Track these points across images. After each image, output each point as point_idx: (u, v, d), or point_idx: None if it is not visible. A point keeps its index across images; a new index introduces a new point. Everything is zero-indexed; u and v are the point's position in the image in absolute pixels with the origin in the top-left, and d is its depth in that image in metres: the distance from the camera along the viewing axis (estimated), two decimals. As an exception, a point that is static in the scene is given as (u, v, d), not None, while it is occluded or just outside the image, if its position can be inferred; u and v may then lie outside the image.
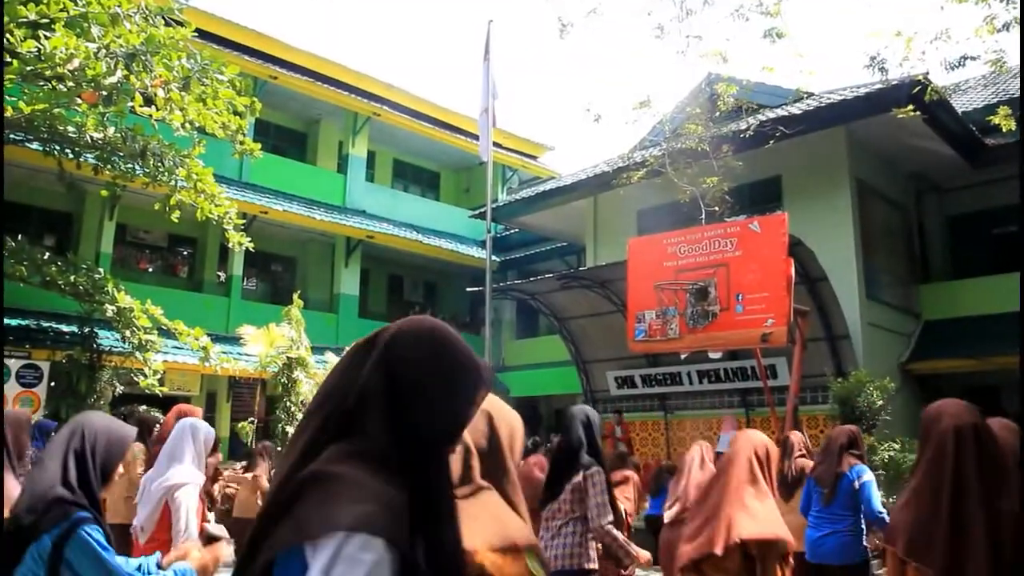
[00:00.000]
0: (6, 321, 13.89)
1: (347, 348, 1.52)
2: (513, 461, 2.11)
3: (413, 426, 1.32)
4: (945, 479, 2.40)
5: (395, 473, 1.27)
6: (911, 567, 2.39)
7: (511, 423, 2.20)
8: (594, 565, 4.20)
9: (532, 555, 1.73)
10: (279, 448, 14.41)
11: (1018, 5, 7.21)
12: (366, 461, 1.25)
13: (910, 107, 9.86)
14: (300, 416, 14.66)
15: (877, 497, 5.18)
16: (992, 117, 9.05)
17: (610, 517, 4.14)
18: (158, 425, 10.82)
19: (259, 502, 9.84)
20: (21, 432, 3.72)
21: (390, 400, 1.32)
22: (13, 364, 12.52)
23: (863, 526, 5.28)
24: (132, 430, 2.84)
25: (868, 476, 5.26)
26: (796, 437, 6.53)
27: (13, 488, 3.19)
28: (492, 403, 2.09)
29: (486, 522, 1.69)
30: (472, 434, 1.97)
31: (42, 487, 2.44)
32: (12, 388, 12.37)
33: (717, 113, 11.75)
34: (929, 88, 9.41)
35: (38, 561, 2.36)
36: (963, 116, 13.22)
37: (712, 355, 12.62)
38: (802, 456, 6.19)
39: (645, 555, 4.66)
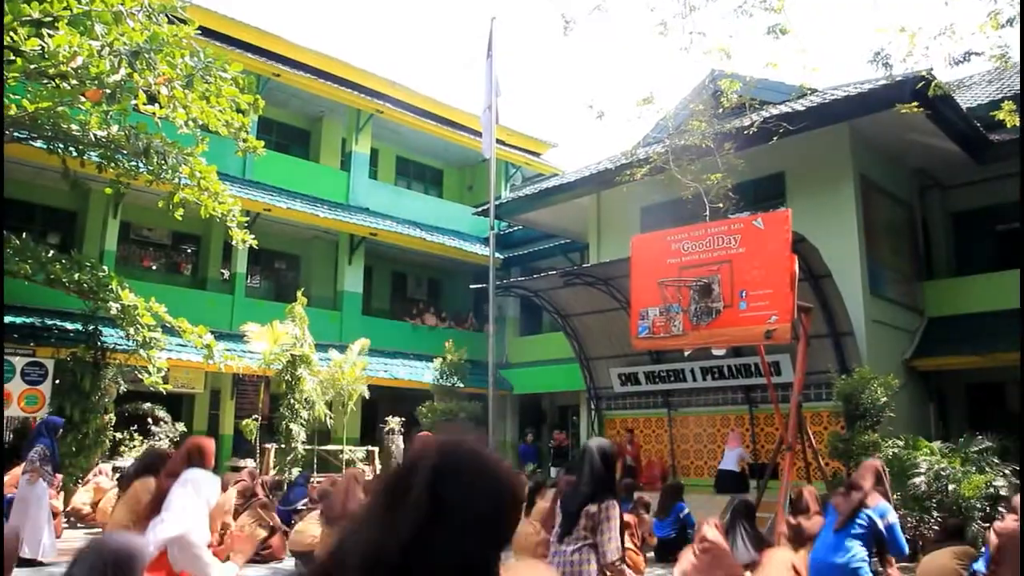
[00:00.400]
0: (11, 319, 13.93)
1: (376, 481, 1.45)
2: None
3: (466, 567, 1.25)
4: None
5: None
6: None
7: None
8: None
9: None
10: (282, 446, 14.48)
11: (1018, 3, 7.19)
12: None
13: (914, 103, 9.84)
14: (304, 413, 14.71)
15: (902, 536, 5.38)
16: (996, 113, 9.03)
17: (620, 553, 4.19)
18: None
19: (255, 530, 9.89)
20: None
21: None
22: (18, 362, 12.55)
23: (869, 559, 5.31)
24: (145, 547, 2.74)
25: (893, 517, 5.36)
26: (810, 493, 6.46)
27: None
28: None
29: None
30: None
31: None
32: (17, 385, 12.41)
33: (720, 110, 11.72)
34: (933, 84, 9.39)
35: None
36: (967, 112, 13.19)
37: (716, 352, 12.58)
38: (818, 514, 6.14)
39: None
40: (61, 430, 10.30)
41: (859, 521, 5.22)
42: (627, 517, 7.00)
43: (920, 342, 14.31)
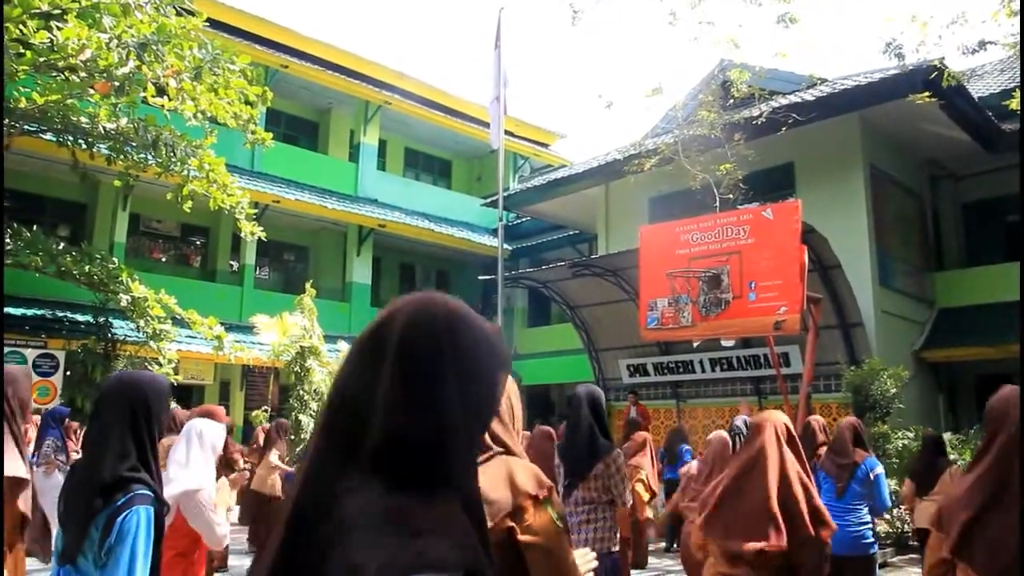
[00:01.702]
0: (23, 311, 14.01)
1: (352, 344, 1.35)
2: (516, 423, 2.31)
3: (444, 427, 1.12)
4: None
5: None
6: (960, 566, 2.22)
7: (509, 388, 2.34)
8: (617, 548, 4.38)
9: (549, 503, 1.83)
10: (292, 437, 14.53)
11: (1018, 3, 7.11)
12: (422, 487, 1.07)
13: (926, 93, 9.77)
14: (314, 405, 14.78)
15: (887, 490, 5.48)
16: (1009, 102, 8.96)
17: (630, 499, 4.41)
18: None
19: (273, 480, 10.11)
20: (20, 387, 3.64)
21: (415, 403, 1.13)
22: (30, 353, 12.63)
23: (870, 517, 5.36)
24: (166, 380, 2.82)
25: (880, 469, 5.42)
26: (817, 422, 6.39)
27: (17, 470, 3.21)
28: None
29: (503, 481, 1.82)
30: None
31: (107, 466, 2.45)
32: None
33: (730, 100, 11.68)
34: (946, 73, 9.31)
35: (94, 538, 2.41)
36: (979, 101, 13.09)
37: (725, 343, 12.60)
38: (824, 444, 6.08)
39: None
40: (67, 420, 10.38)
41: (854, 484, 5.27)
42: (637, 439, 7.17)
43: (930, 333, 14.26)
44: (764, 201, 12.48)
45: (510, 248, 21.30)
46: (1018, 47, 9.99)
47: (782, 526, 3.11)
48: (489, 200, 19.82)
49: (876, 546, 5.47)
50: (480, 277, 19.95)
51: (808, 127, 12.06)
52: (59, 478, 9.27)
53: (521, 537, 1.74)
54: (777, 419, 3.47)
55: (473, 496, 1.13)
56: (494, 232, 20.13)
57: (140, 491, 2.47)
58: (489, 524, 1.29)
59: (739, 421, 10.40)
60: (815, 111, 12.04)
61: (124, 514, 2.41)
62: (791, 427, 3.45)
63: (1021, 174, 7.67)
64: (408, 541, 0.99)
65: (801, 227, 9.90)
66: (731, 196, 11.32)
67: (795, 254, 9.66)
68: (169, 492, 3.47)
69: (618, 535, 4.39)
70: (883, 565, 8.73)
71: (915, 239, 14.84)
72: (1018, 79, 14.41)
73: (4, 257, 11.48)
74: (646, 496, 7.03)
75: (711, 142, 11.72)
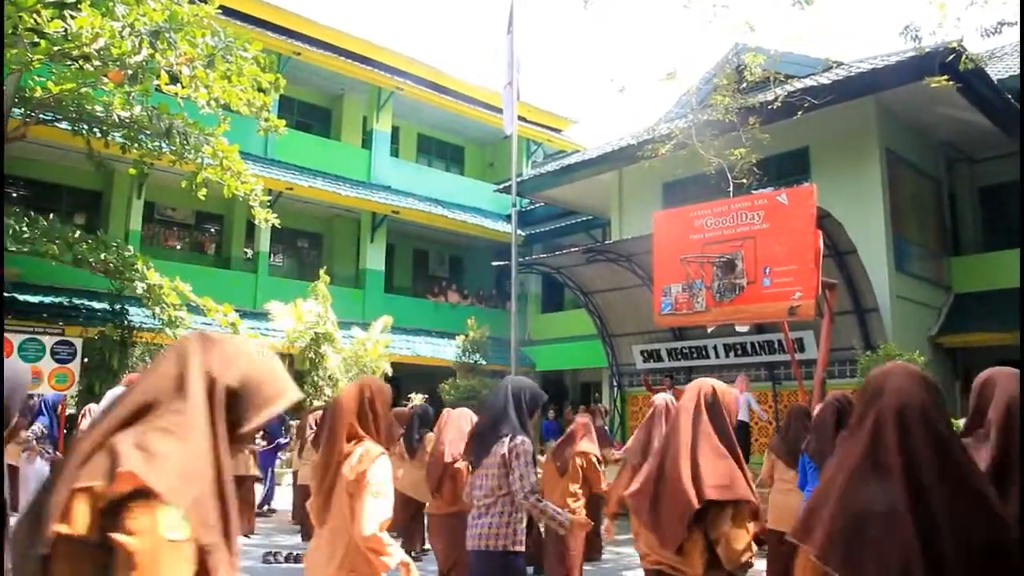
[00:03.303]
0: (40, 299, 14.13)
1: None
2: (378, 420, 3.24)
3: None
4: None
5: None
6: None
7: (376, 392, 3.34)
8: (520, 548, 3.96)
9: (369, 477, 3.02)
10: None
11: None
12: None
13: (943, 76, 9.65)
14: (328, 391, 14.86)
15: None
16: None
17: (532, 487, 3.89)
18: None
19: (248, 458, 10.29)
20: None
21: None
22: (48, 341, 12.72)
23: None
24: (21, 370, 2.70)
25: None
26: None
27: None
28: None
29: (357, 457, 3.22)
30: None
31: None
32: (48, 364, 12.58)
33: (744, 84, 11.57)
34: (964, 56, 9.19)
35: None
36: (998, 84, 12.93)
37: (739, 328, 12.55)
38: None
39: (581, 520, 4.76)
40: (60, 407, 10.53)
41: None
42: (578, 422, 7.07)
43: (946, 318, 14.16)
44: (779, 186, 12.39)
45: (523, 234, 21.28)
46: (1018, 46, 9.89)
47: (693, 502, 2.96)
48: (502, 186, 19.80)
49: None
50: (493, 263, 19.95)
51: (823, 111, 11.94)
52: (41, 464, 9.36)
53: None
54: (696, 388, 3.31)
55: None
56: (507, 218, 20.11)
57: None
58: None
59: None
60: (831, 95, 11.91)
61: None
62: (715, 393, 3.26)
63: (1021, 166, 7.56)
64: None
65: (816, 212, 9.83)
66: (745, 181, 11.24)
67: (810, 239, 9.59)
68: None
69: (521, 534, 3.96)
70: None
71: (931, 223, 14.72)
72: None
73: (3, 250, 11.58)
74: (602, 467, 6.99)
75: (725, 127, 11.63)
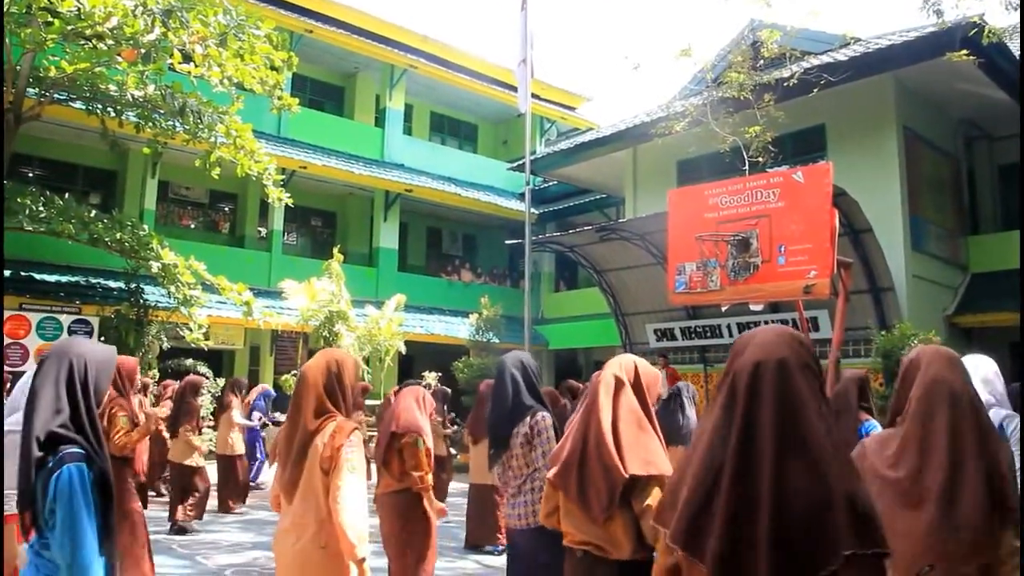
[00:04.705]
0: (56, 278, 14.24)
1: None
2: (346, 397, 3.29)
3: None
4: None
5: None
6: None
7: (347, 369, 3.34)
8: None
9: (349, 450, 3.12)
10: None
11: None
12: None
13: (964, 51, 9.51)
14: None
15: None
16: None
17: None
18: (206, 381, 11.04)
19: (232, 437, 10.22)
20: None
21: None
22: (65, 319, 12.86)
23: None
24: (113, 351, 2.80)
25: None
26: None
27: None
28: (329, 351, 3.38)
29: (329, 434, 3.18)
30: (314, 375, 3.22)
31: (39, 422, 2.44)
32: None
33: (760, 61, 11.45)
34: (986, 30, 9.04)
35: (40, 504, 2.40)
36: (1020, 59, 12.73)
37: (753, 307, 12.48)
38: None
39: None
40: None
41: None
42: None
43: (963, 298, 14.05)
44: (794, 164, 12.28)
45: (537, 212, 21.24)
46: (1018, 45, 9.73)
47: (623, 474, 2.86)
48: (516, 164, 19.74)
49: None
50: (507, 241, 19.94)
51: (840, 88, 11.81)
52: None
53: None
54: (617, 363, 3.20)
55: None
56: (521, 196, 20.06)
57: (70, 450, 2.43)
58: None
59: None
60: (848, 71, 11.77)
61: (56, 474, 2.38)
62: (637, 368, 3.15)
63: (1021, 157, 7.45)
64: None
65: (832, 190, 9.75)
66: (761, 159, 11.15)
67: (826, 218, 9.51)
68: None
69: None
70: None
71: (949, 202, 14.56)
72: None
73: (3, 236, 11.65)
74: None
75: (740, 104, 11.53)
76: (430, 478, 5.23)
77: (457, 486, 11.13)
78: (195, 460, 9.14)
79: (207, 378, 15.69)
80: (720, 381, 1.82)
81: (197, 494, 9.11)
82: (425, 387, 16.02)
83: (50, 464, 2.40)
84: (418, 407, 5.43)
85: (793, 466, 1.59)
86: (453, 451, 11.75)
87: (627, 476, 2.85)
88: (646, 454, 2.93)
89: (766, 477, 1.58)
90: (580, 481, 2.99)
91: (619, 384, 3.08)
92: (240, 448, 10.53)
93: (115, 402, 4.83)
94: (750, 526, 1.57)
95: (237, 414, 10.59)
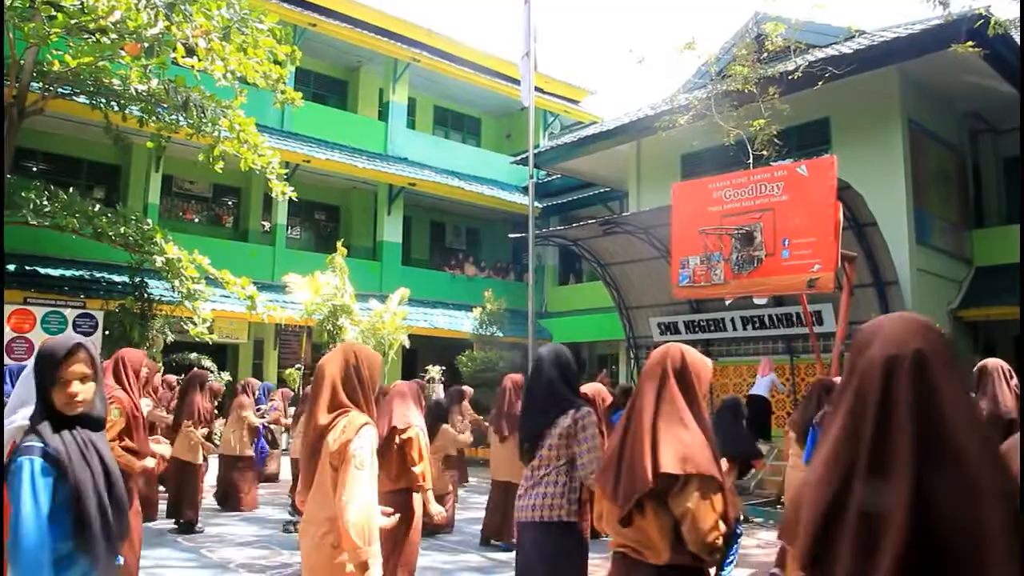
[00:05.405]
0: (61, 272, 14.28)
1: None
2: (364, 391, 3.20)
3: None
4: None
5: None
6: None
7: (368, 363, 3.26)
8: (576, 518, 3.75)
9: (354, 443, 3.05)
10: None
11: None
12: None
13: (969, 43, 9.46)
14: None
15: None
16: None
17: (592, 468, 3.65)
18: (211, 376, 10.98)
19: (242, 438, 10.11)
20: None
21: None
22: (70, 313, 12.89)
23: None
24: (63, 342, 2.73)
25: None
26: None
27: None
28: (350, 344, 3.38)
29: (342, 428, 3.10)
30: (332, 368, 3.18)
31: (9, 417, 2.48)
32: (70, 337, 12.78)
33: (764, 54, 11.40)
34: (992, 21, 9.00)
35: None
36: (1020, 52, 12.67)
37: (757, 301, 12.48)
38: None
39: None
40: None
41: None
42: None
43: (967, 292, 14.01)
44: (799, 157, 12.26)
45: (540, 206, 21.22)
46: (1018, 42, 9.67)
47: (648, 479, 2.65)
48: (519, 158, 19.71)
49: None
50: (510, 235, 19.91)
51: (845, 81, 11.77)
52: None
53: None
54: (663, 353, 2.96)
55: None
56: (524, 190, 20.04)
57: (27, 443, 2.44)
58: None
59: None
60: (853, 64, 11.72)
61: (10, 465, 2.41)
62: (684, 358, 2.92)
63: (1021, 151, 7.41)
64: None
65: (836, 184, 9.73)
66: (765, 152, 11.12)
67: (830, 211, 9.50)
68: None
69: (578, 504, 3.74)
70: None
71: (954, 195, 14.52)
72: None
73: (3, 232, 11.67)
74: None
75: (744, 97, 11.49)
76: (429, 481, 5.20)
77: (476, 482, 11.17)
78: (196, 457, 9.01)
79: (211, 372, 15.73)
80: (843, 382, 1.58)
81: (199, 494, 9.04)
82: (430, 382, 16.09)
83: (10, 457, 2.44)
84: (414, 402, 5.43)
85: (938, 482, 1.34)
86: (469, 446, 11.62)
87: (651, 480, 2.64)
88: (684, 450, 2.68)
89: (904, 495, 1.34)
90: (616, 480, 2.81)
91: (664, 376, 2.87)
92: (248, 451, 10.33)
93: (112, 394, 4.50)
94: (885, 553, 1.34)
95: (251, 415, 10.44)
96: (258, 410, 13.09)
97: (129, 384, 4.67)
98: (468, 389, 11.77)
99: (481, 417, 12.19)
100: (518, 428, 4.15)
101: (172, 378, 11.87)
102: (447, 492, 8.52)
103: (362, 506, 2.90)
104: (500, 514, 8.06)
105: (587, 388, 5.26)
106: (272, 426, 11.82)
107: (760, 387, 13.24)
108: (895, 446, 1.38)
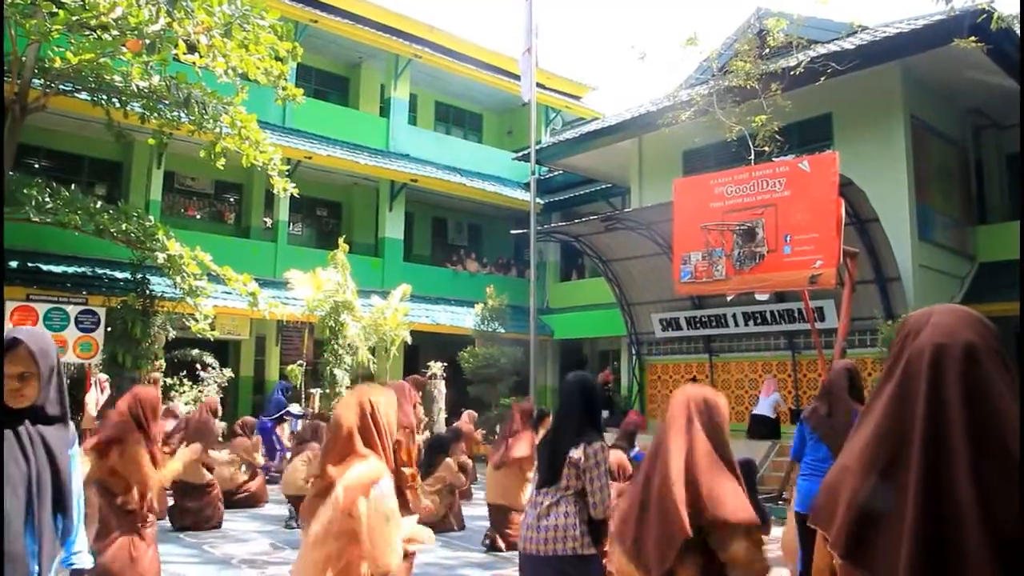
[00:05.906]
0: (63, 268, 14.29)
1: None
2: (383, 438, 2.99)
3: None
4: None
5: None
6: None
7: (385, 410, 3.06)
8: (592, 551, 3.64)
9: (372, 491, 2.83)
10: (326, 391, 14.81)
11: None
12: None
13: (972, 38, 9.44)
14: (348, 359, 15.01)
15: None
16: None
17: (608, 504, 3.61)
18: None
19: (236, 474, 10.31)
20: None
21: None
22: (72, 310, 12.90)
23: None
24: (6, 338, 2.58)
25: None
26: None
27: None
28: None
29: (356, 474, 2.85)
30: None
31: None
32: (72, 333, 12.77)
33: (766, 50, 11.39)
34: (995, 16, 8.97)
35: None
36: (1020, 49, 12.63)
37: (759, 297, 12.49)
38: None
39: None
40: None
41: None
42: None
43: (970, 288, 14.01)
44: (801, 153, 12.24)
45: (542, 202, 21.21)
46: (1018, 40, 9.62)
47: (686, 529, 2.55)
48: (521, 154, 19.71)
49: None
50: (512, 231, 19.93)
51: (847, 77, 11.76)
52: None
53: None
54: (684, 398, 2.86)
55: None
56: (526, 186, 20.01)
57: None
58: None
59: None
60: (855, 60, 11.70)
61: None
62: (707, 402, 2.83)
63: (1021, 146, 7.40)
64: None
65: (838, 179, 9.73)
66: (767, 148, 11.11)
67: (832, 207, 9.51)
68: None
69: (588, 535, 3.64)
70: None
71: (957, 191, 14.50)
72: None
73: (3, 229, 11.68)
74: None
75: (746, 93, 11.48)
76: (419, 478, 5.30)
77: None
78: (203, 477, 8.96)
79: (213, 368, 15.76)
80: (888, 366, 1.56)
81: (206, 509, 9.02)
82: (432, 378, 16.08)
83: None
84: (405, 402, 5.45)
85: (994, 474, 1.33)
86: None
87: (690, 533, 2.56)
88: (736, 499, 2.65)
89: (965, 488, 1.33)
90: (638, 534, 2.69)
91: (690, 422, 2.78)
92: (240, 478, 10.43)
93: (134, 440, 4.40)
94: (953, 546, 1.32)
95: (258, 456, 10.77)
96: (284, 413, 13.18)
97: (147, 426, 4.54)
98: (468, 427, 11.74)
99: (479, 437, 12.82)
100: (537, 455, 4.09)
101: (157, 376, 12.00)
102: (442, 516, 8.76)
103: (399, 556, 2.84)
104: (495, 531, 8.13)
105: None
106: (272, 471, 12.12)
107: (763, 407, 13.26)
108: (948, 437, 1.38)
